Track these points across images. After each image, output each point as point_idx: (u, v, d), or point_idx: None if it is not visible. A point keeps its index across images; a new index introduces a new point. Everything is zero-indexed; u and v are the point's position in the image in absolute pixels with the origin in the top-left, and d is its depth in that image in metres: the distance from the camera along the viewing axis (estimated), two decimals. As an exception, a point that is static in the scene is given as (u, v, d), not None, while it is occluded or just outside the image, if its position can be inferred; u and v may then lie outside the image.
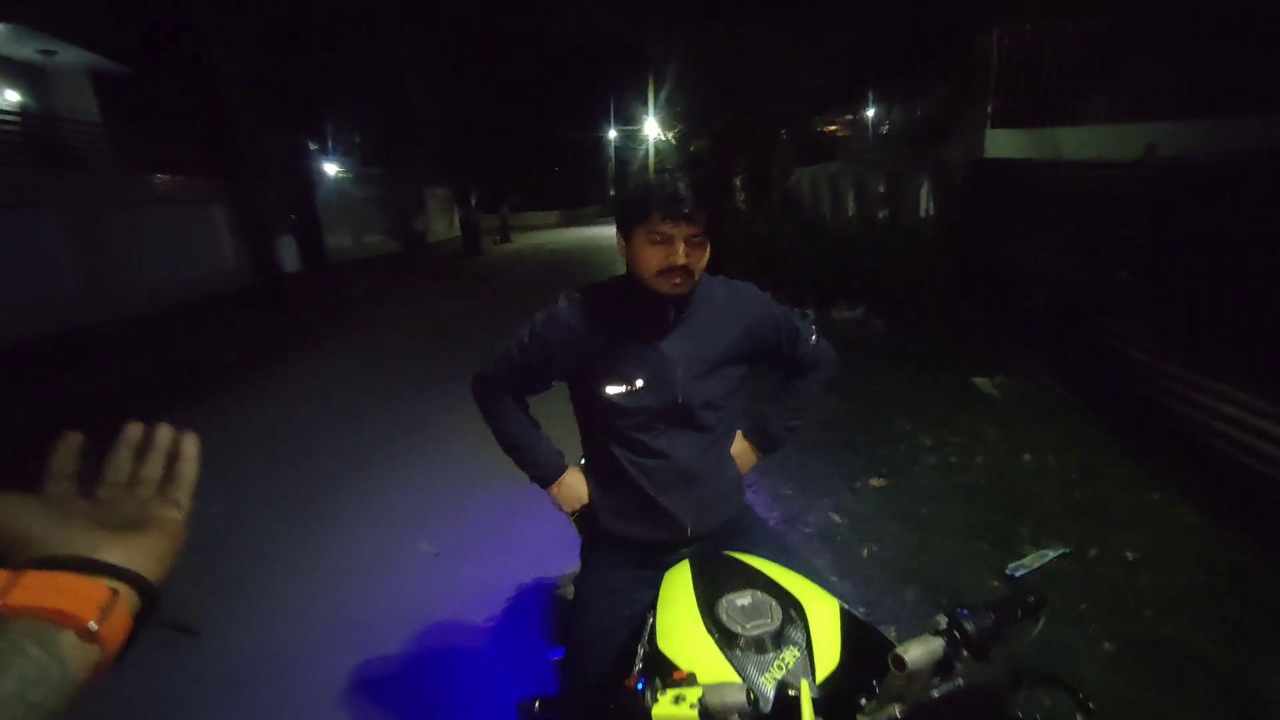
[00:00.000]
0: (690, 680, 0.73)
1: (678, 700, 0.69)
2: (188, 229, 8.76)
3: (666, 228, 1.11)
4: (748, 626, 0.89)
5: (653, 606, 1.01)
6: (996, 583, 2.39)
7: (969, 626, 0.79)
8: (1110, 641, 2.07)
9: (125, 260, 7.60)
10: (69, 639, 0.39)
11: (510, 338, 1.30)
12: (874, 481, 3.19)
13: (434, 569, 2.72)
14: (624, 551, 1.28)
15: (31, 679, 0.37)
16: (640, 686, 0.72)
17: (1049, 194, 4.80)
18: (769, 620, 0.90)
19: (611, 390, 1.20)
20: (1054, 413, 3.82)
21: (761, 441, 1.41)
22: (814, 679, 0.83)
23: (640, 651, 0.96)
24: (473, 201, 19.98)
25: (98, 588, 0.42)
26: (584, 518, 1.41)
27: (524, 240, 24.01)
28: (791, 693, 0.83)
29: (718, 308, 1.27)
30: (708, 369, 1.24)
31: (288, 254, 8.03)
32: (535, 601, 2.43)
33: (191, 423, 0.55)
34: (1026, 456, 3.32)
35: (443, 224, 20.89)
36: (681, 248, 1.12)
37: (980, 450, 3.44)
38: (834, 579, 2.52)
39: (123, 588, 0.43)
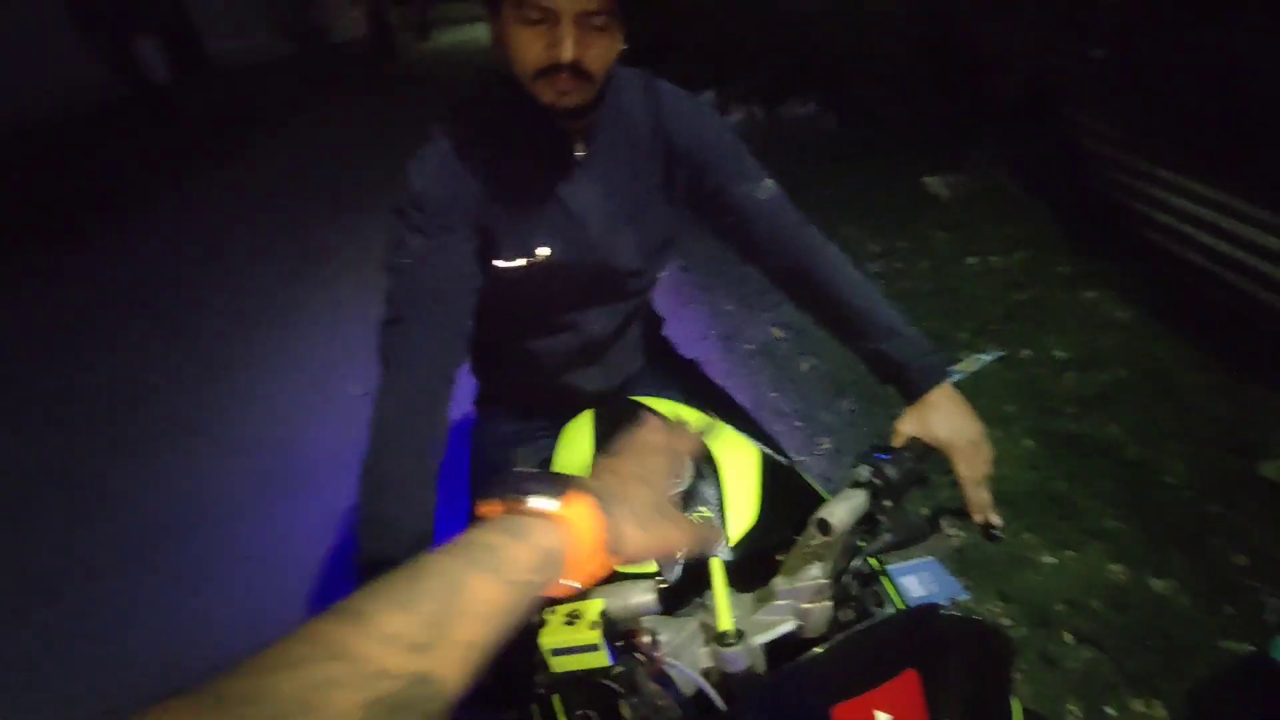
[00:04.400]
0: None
1: (571, 620, 0.53)
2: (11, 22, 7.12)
3: None
4: (650, 488, 0.77)
5: (548, 464, 0.88)
6: (930, 389, 2.42)
7: (891, 472, 0.70)
8: (1031, 439, 2.15)
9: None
10: None
11: (390, 242, 0.85)
12: (818, 294, 3.10)
13: (364, 410, 2.61)
14: (521, 405, 1.12)
15: None
16: None
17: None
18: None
19: (505, 265, 0.87)
20: (1004, 213, 3.68)
21: (929, 376, 0.89)
22: (726, 543, 0.73)
23: None
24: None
25: None
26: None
27: (449, 37, 20.92)
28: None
29: (637, 125, 0.89)
30: (629, 219, 0.91)
31: (153, 59, 6.61)
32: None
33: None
34: (971, 260, 3.25)
35: (346, 20, 17.67)
36: (571, 34, 0.71)
37: (927, 255, 3.35)
38: (772, 394, 2.52)
39: None
